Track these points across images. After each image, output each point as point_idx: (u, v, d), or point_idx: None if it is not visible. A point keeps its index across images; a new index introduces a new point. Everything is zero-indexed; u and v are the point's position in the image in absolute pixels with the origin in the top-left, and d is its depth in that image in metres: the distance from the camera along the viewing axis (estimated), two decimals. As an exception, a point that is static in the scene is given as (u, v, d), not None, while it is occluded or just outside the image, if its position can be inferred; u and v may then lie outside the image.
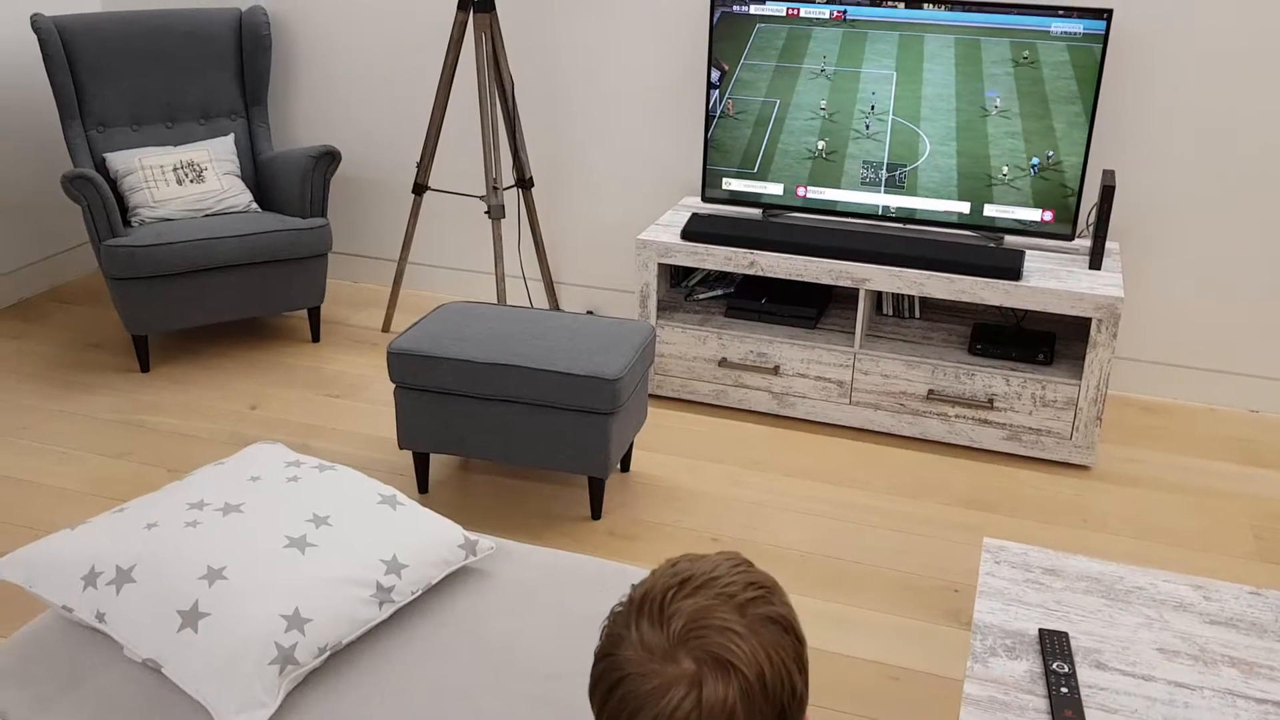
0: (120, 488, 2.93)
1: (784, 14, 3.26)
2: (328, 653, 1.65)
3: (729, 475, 3.06)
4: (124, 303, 3.43)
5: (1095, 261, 3.14)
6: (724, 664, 0.89)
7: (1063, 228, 3.21)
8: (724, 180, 3.47)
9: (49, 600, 1.70)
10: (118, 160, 3.60)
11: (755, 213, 3.54)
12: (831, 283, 3.21)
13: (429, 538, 1.85)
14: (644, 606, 0.93)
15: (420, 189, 3.75)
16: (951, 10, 3.11)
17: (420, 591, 1.81)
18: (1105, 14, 3.01)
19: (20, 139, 4.03)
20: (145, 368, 3.56)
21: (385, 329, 3.95)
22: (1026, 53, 3.08)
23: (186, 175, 3.63)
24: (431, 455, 3.11)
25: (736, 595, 0.93)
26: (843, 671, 2.33)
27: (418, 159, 4.04)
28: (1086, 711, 1.60)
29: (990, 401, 3.15)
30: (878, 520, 2.88)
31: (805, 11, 3.23)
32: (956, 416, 3.20)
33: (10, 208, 4.03)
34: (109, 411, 3.32)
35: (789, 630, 0.94)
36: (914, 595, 2.58)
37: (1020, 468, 3.15)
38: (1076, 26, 3.03)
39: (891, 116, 3.25)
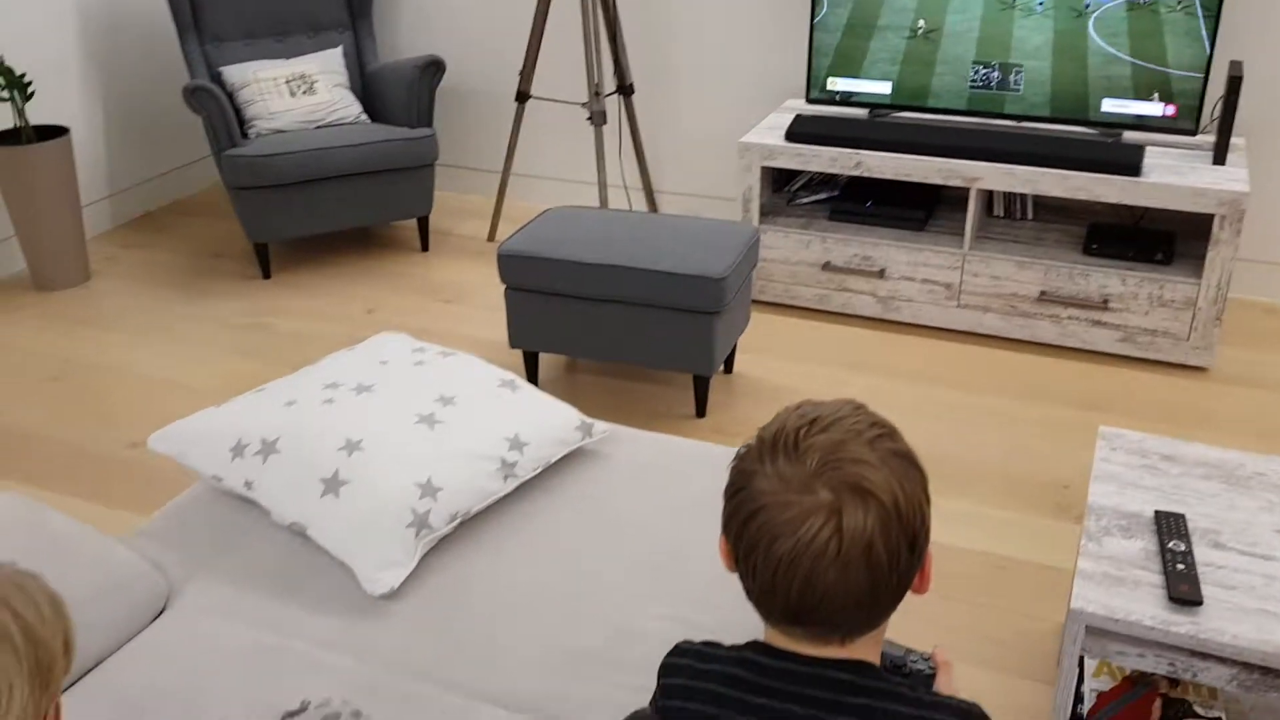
0: (250, 384, 3.08)
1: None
2: (458, 520, 1.74)
3: (833, 377, 3.08)
4: (245, 212, 3.56)
5: (1219, 157, 3.03)
6: (862, 492, 0.93)
7: (1185, 122, 3.11)
8: (829, 80, 3.43)
9: (200, 471, 1.82)
10: (233, 74, 3.71)
11: (862, 113, 3.49)
12: (941, 182, 3.16)
13: (548, 419, 1.92)
14: (777, 444, 0.97)
15: (523, 97, 3.79)
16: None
17: (541, 469, 1.89)
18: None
19: (141, 56, 4.17)
20: (267, 274, 3.71)
21: (490, 238, 4.03)
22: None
23: (299, 88, 3.72)
24: (540, 355, 3.18)
25: (864, 432, 0.97)
26: (951, 561, 2.36)
27: (520, 67, 4.06)
28: (1203, 587, 1.61)
29: (1105, 302, 3.10)
30: (986, 420, 2.87)
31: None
32: (1069, 318, 3.16)
33: (133, 125, 4.18)
34: (235, 315, 3.48)
35: (915, 465, 0.98)
36: (1023, 491, 2.59)
37: (1134, 370, 3.10)
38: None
39: (1000, 7, 3.16)
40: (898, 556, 0.94)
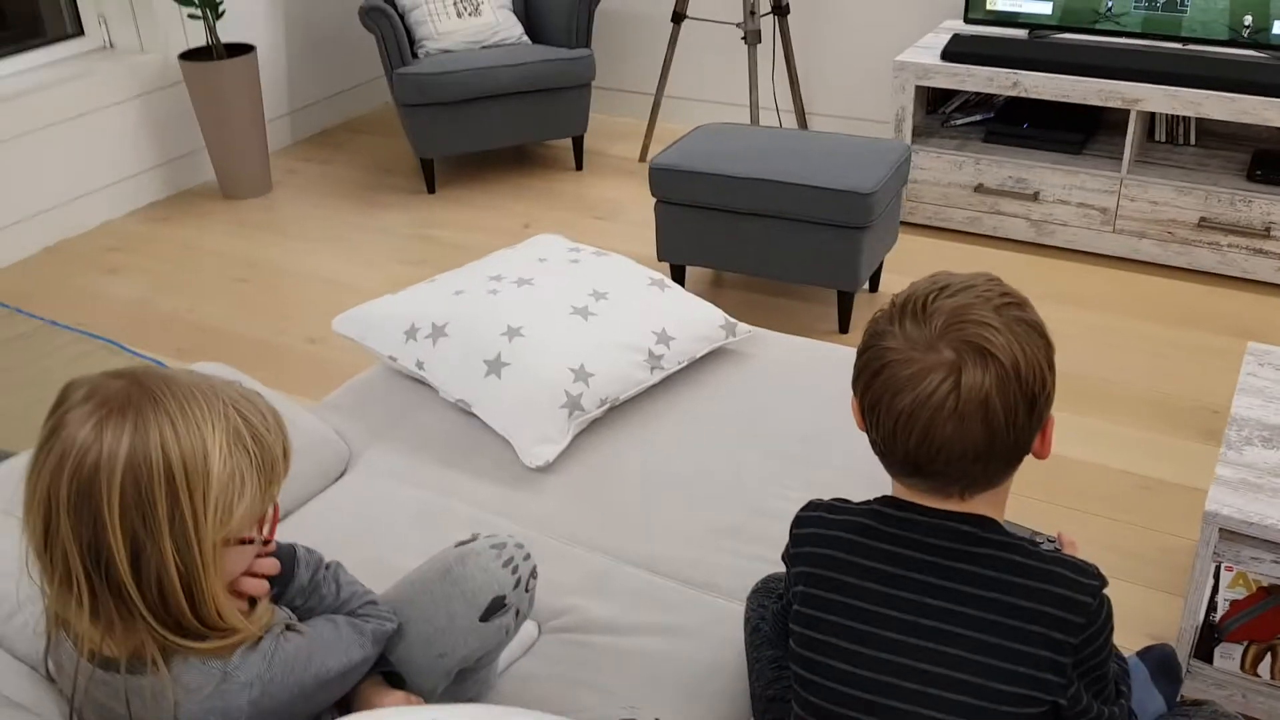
0: (414, 290, 3.28)
1: None
2: (607, 405, 1.87)
3: (979, 298, 3.08)
4: (413, 128, 3.75)
5: (1406, 78, 2.88)
6: (982, 352, 1.00)
7: (1371, 42, 2.95)
8: (989, 0, 3.37)
9: (377, 351, 1.99)
10: (405, -5, 3.88)
11: (1021, 33, 3.42)
12: (1100, 104, 3.10)
13: (694, 316, 2.02)
14: (906, 307, 1.05)
15: (679, 17, 3.85)
16: None
17: (685, 363, 1.99)
18: None
19: (318, -19, 4.40)
20: (431, 189, 3.91)
21: (641, 159, 4.13)
22: None
23: (465, 9, 3.87)
24: (687, 269, 3.28)
25: (992, 299, 1.04)
26: (1094, 479, 2.38)
27: (678, -10, 4.12)
28: (1343, 498, 1.61)
29: (1267, 230, 3.00)
30: (1137, 345, 2.84)
31: None
32: (1229, 246, 3.07)
33: (311, 45, 4.42)
34: (403, 226, 3.69)
35: (1041, 334, 1.04)
36: (1171, 414, 2.57)
37: (1297, 300, 3.00)
38: None
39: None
40: (1015, 415, 1.01)
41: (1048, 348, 1.05)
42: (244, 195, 3.94)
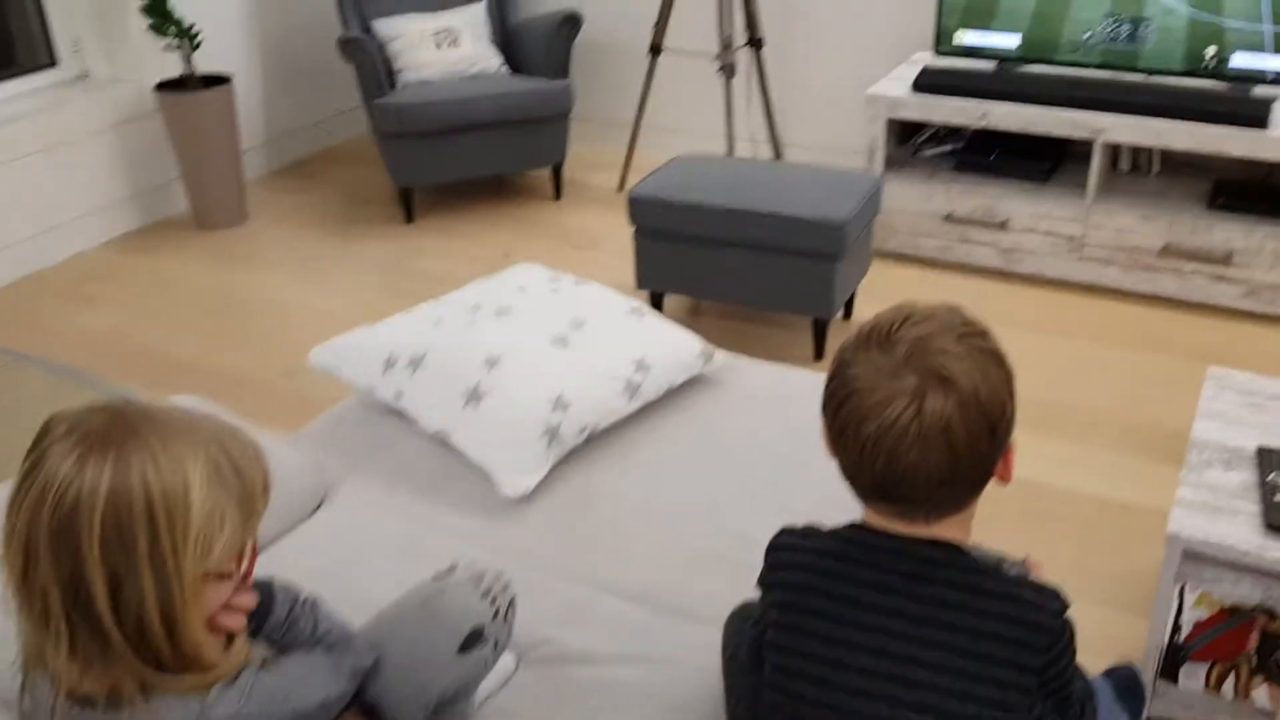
0: (392, 320, 3.30)
1: None
2: (586, 433, 1.89)
3: (951, 324, 3.13)
4: (392, 157, 3.78)
5: (1361, 109, 2.96)
6: (944, 380, 1.03)
7: (1326, 74, 3.03)
8: (957, 33, 3.44)
9: (355, 382, 2.01)
10: (384, 26, 3.92)
11: (989, 65, 3.49)
12: (1066, 134, 3.16)
13: (672, 344, 2.05)
14: (872, 336, 1.08)
15: (656, 50, 3.90)
16: None
17: (664, 391, 2.02)
18: None
19: (297, 9, 4.42)
20: (410, 219, 3.93)
21: (620, 188, 4.17)
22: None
23: (444, 40, 3.91)
24: (665, 297, 3.31)
25: (955, 328, 1.07)
26: (1064, 503, 2.41)
27: (655, 20, 4.17)
28: (1303, 520, 1.64)
29: (1228, 257, 3.06)
30: (1104, 370, 2.89)
31: None
32: (1192, 272, 3.13)
33: (285, 76, 4.45)
34: (381, 255, 3.71)
35: (1001, 362, 1.07)
36: (1139, 439, 2.61)
37: (1256, 325, 3.07)
38: None
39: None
40: (976, 441, 1.04)
41: (1008, 375, 1.08)
42: (220, 226, 3.95)
